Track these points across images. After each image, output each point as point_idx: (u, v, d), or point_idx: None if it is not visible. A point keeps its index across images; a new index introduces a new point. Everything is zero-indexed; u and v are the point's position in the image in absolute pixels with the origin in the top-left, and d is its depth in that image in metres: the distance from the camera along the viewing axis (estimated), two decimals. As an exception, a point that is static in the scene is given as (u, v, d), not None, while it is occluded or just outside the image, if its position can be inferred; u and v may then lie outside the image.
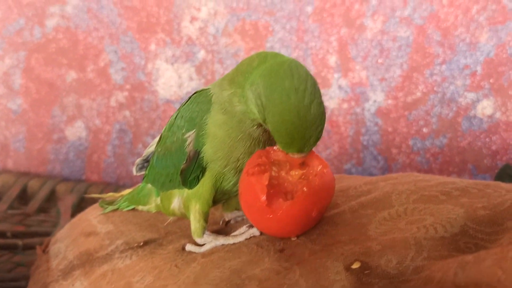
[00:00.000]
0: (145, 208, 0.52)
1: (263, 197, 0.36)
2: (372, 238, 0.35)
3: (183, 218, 0.47)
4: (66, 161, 1.29)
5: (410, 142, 1.04)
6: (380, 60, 1.03)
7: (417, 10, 0.99)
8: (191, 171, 0.42)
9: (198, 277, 0.37)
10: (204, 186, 0.43)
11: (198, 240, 0.43)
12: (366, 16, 1.02)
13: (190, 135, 0.42)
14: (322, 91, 1.07)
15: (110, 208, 0.56)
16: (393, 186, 0.43)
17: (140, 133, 1.21)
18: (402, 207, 0.39)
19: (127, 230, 0.51)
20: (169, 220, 0.51)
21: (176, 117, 0.45)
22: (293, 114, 0.34)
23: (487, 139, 1.00)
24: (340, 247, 0.35)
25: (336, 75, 1.06)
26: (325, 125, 1.05)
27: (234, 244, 0.41)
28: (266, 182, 0.36)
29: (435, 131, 1.03)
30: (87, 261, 0.47)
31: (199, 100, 0.42)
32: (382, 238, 0.35)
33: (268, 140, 0.41)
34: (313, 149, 0.37)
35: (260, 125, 0.40)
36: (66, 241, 0.53)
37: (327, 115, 1.06)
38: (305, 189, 0.36)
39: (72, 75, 1.24)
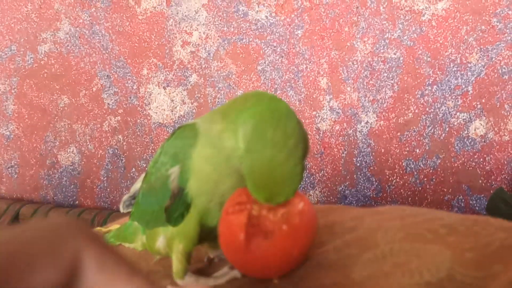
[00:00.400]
0: (131, 245, 0.51)
1: (242, 236, 0.35)
2: (356, 283, 0.34)
3: (169, 257, 0.46)
4: (59, 187, 1.27)
5: (403, 163, 1.03)
6: (371, 82, 1.02)
7: (406, 32, 1.00)
8: (175, 208, 0.41)
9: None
10: (190, 223, 0.42)
11: (179, 282, 0.42)
12: (356, 38, 1.02)
13: (174, 171, 0.41)
14: (314, 113, 1.06)
15: None
16: (379, 222, 0.42)
17: (133, 157, 1.20)
18: (387, 246, 0.38)
19: (111, 269, 0.50)
20: (155, 260, 0.50)
21: (160, 153, 0.44)
22: (263, 168, 0.33)
23: (480, 160, 0.99)
24: (323, 293, 0.34)
25: (327, 97, 1.05)
26: (318, 147, 1.05)
27: (215, 286, 0.40)
28: (245, 221, 0.36)
29: (428, 152, 1.02)
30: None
31: (183, 135, 0.42)
32: (366, 283, 0.34)
33: None
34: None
35: None
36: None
37: (319, 137, 1.06)
38: (284, 227, 0.35)
39: (64, 100, 1.23)
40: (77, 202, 1.26)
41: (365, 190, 1.07)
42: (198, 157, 0.40)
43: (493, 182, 0.99)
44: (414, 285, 0.32)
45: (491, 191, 0.97)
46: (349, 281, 0.35)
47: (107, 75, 1.19)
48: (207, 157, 0.39)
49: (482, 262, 0.33)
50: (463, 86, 0.98)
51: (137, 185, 0.52)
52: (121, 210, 0.52)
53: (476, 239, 0.36)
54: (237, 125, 0.38)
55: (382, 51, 1.01)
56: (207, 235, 0.44)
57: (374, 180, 1.06)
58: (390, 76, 1.02)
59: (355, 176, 1.07)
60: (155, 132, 1.19)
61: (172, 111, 1.17)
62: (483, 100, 0.98)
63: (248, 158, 0.34)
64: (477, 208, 1.00)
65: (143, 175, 0.50)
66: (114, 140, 1.21)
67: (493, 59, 0.96)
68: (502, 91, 0.96)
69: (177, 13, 1.12)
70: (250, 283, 0.39)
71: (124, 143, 1.20)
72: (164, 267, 0.49)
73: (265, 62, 1.07)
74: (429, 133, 1.01)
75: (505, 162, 0.98)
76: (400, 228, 0.40)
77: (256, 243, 0.35)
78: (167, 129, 1.18)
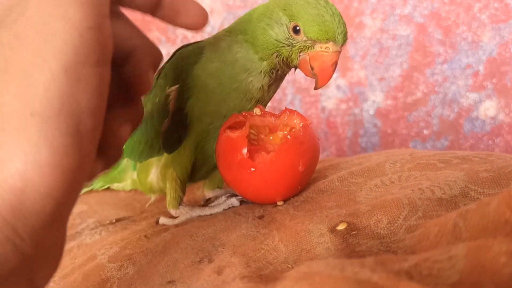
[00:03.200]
0: (120, 185, 0.48)
1: (244, 150, 0.33)
2: (360, 203, 0.31)
3: (162, 195, 0.44)
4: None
5: (410, 145, 1.00)
6: (379, 59, 1.00)
7: (417, 8, 0.97)
8: (173, 131, 0.39)
9: (168, 245, 0.33)
10: (185, 149, 0.40)
11: (173, 212, 0.40)
12: (365, 14, 1.00)
13: (174, 90, 0.39)
14: (320, 91, 1.04)
15: (84, 190, 0.52)
16: (387, 157, 0.39)
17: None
18: (396, 175, 0.35)
19: (101, 209, 0.47)
20: (150, 201, 0.47)
21: (158, 77, 0.42)
22: (316, 0, 0.35)
23: (490, 142, 0.96)
24: (325, 211, 0.31)
25: (334, 75, 1.03)
26: (323, 126, 1.02)
27: (211, 214, 0.38)
28: (246, 134, 0.33)
29: (436, 133, 0.99)
30: (54, 239, 0.43)
31: (185, 54, 0.40)
32: (372, 202, 0.31)
33: (261, 99, 0.39)
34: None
35: (265, 73, 0.38)
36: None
37: (324, 116, 1.03)
38: (288, 137, 0.33)
39: (65, 74, 1.21)
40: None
41: (369, 172, 1.03)
42: (203, 73, 0.38)
43: (502, 166, 0.96)
44: (425, 200, 0.29)
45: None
46: (354, 202, 0.32)
47: (110, 49, 1.17)
48: (214, 71, 0.38)
49: (499, 180, 0.30)
50: (474, 66, 0.95)
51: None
52: None
53: (491, 164, 0.33)
54: (248, 33, 0.38)
55: (391, 27, 0.99)
56: (202, 164, 0.41)
57: (379, 161, 1.03)
58: (399, 53, 0.99)
59: (359, 157, 1.04)
60: (156, 109, 1.17)
61: (174, 87, 1.14)
62: (494, 80, 0.95)
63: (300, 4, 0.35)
64: (485, 192, 0.97)
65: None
66: (115, 116, 1.19)
67: (505, 37, 0.94)
68: (514, 71, 0.93)
69: (183, -15, 1.10)
70: (247, 206, 0.36)
71: (125, 119, 1.18)
72: (159, 207, 0.46)
73: (271, 37, 1.05)
74: (438, 114, 0.98)
75: (515, 145, 0.95)
76: (410, 160, 0.37)
77: (260, 157, 0.33)
78: (169, 107, 1.15)
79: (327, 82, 0.37)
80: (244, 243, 0.30)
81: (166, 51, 1.13)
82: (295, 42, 0.36)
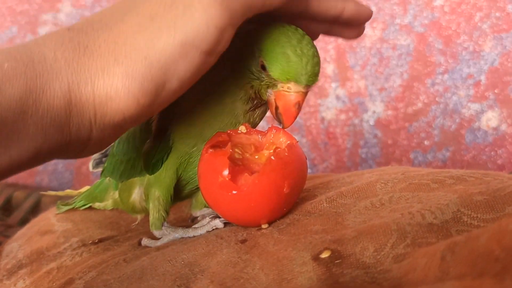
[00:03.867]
0: (101, 205, 0.47)
1: (225, 171, 0.31)
2: (348, 227, 0.30)
3: (146, 214, 0.42)
4: (54, 173, 1.24)
5: (411, 155, 0.99)
6: (379, 69, 0.98)
7: (417, 17, 0.95)
8: (155, 152, 0.38)
9: (146, 271, 0.32)
10: (167, 170, 0.38)
11: (156, 233, 0.38)
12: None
13: None
14: (319, 101, 1.02)
15: (66, 208, 0.51)
16: (379, 176, 0.38)
17: (132, 145, 1.17)
18: (387, 195, 0.33)
19: (85, 228, 0.46)
20: (136, 221, 0.45)
21: None
22: (288, 38, 0.33)
23: (492, 153, 0.94)
24: (310, 235, 0.30)
25: (333, 85, 1.01)
26: (322, 137, 1.00)
27: (194, 236, 0.36)
28: (228, 155, 0.32)
29: (437, 144, 0.97)
30: (36, 259, 0.42)
31: None
32: (359, 226, 0.29)
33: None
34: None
35: (247, 100, 0.36)
36: (21, 240, 0.48)
37: (324, 126, 1.02)
38: (272, 158, 0.31)
39: (63, 84, 1.20)
40: (72, 189, 1.23)
41: (369, 183, 1.02)
42: (188, 94, 0.37)
43: (505, 178, 0.94)
44: (414, 225, 0.27)
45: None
46: (341, 226, 0.30)
47: (108, 59, 1.16)
48: (199, 93, 0.36)
49: (493, 204, 0.28)
50: (476, 76, 0.94)
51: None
52: (90, 168, 0.49)
53: (487, 186, 0.32)
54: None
55: (391, 37, 0.97)
56: (185, 185, 0.40)
57: (379, 172, 1.01)
58: (400, 63, 0.97)
59: (360, 168, 1.03)
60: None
61: (173, 97, 1.13)
62: (496, 91, 0.93)
63: (269, 40, 0.34)
64: (487, 204, 0.95)
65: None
66: (113, 126, 1.18)
67: (507, 47, 0.92)
68: (517, 81, 0.92)
69: (181, -5, 1.09)
70: (230, 229, 0.34)
71: (123, 129, 1.17)
72: (144, 226, 0.45)
73: (269, 47, 1.04)
74: (439, 124, 0.97)
75: (518, 157, 0.93)
76: (402, 180, 0.36)
77: (242, 178, 0.31)
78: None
79: (292, 123, 0.35)
80: (224, 270, 0.29)
81: (164, 61, 1.12)
82: (262, 77, 0.35)
